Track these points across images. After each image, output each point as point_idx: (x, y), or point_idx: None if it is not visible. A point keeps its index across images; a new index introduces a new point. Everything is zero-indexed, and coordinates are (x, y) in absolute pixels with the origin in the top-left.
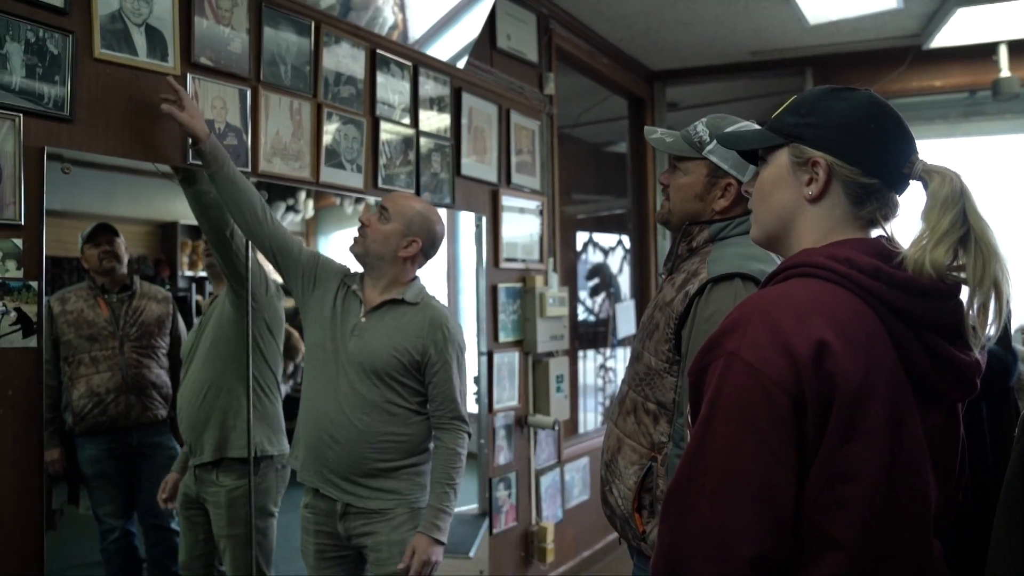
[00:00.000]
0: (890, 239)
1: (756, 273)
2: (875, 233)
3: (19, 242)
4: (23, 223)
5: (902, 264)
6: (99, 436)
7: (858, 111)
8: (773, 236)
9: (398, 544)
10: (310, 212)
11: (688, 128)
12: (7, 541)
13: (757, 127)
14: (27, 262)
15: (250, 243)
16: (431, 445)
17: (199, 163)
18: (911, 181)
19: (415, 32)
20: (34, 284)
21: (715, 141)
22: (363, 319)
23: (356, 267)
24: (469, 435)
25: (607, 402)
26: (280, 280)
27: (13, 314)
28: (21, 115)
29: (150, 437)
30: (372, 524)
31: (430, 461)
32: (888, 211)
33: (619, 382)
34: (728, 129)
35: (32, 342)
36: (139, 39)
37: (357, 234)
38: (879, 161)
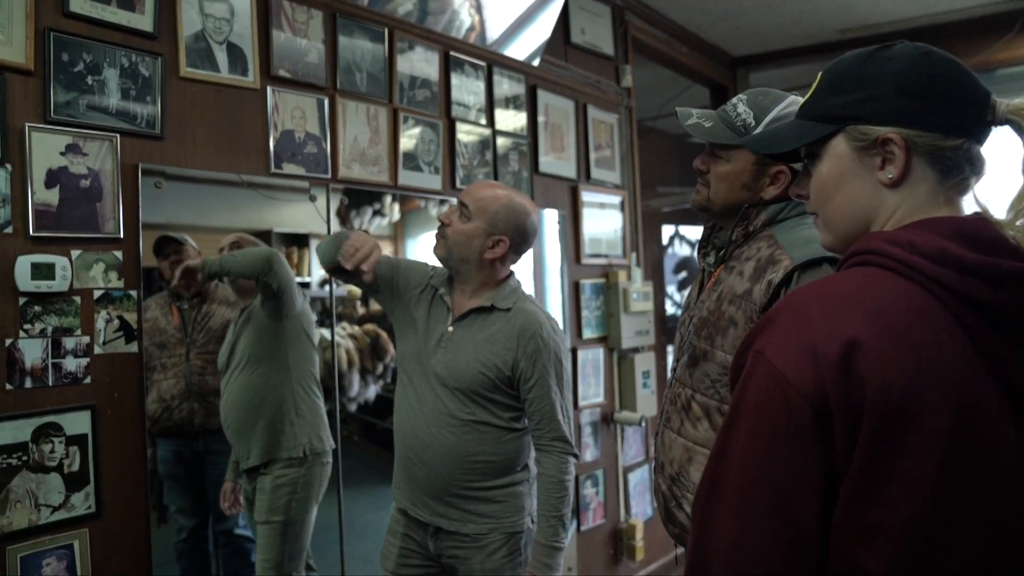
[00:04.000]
0: (985, 214)
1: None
2: (968, 204)
3: (119, 254)
4: (122, 236)
5: (1007, 243)
6: (169, 439)
7: (914, 67)
8: (850, 237)
9: (493, 573)
10: (396, 215)
11: (726, 108)
12: (116, 533)
13: (789, 123)
14: (127, 273)
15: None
16: (530, 462)
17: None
18: (993, 128)
19: (492, 33)
20: (133, 293)
21: (762, 125)
22: (450, 328)
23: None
24: (576, 457)
25: None
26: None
27: (116, 322)
28: (118, 135)
29: (215, 444)
30: (465, 549)
31: (528, 480)
32: (978, 170)
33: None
34: (760, 130)
35: (134, 347)
36: (221, 56)
37: (437, 234)
38: (960, 116)
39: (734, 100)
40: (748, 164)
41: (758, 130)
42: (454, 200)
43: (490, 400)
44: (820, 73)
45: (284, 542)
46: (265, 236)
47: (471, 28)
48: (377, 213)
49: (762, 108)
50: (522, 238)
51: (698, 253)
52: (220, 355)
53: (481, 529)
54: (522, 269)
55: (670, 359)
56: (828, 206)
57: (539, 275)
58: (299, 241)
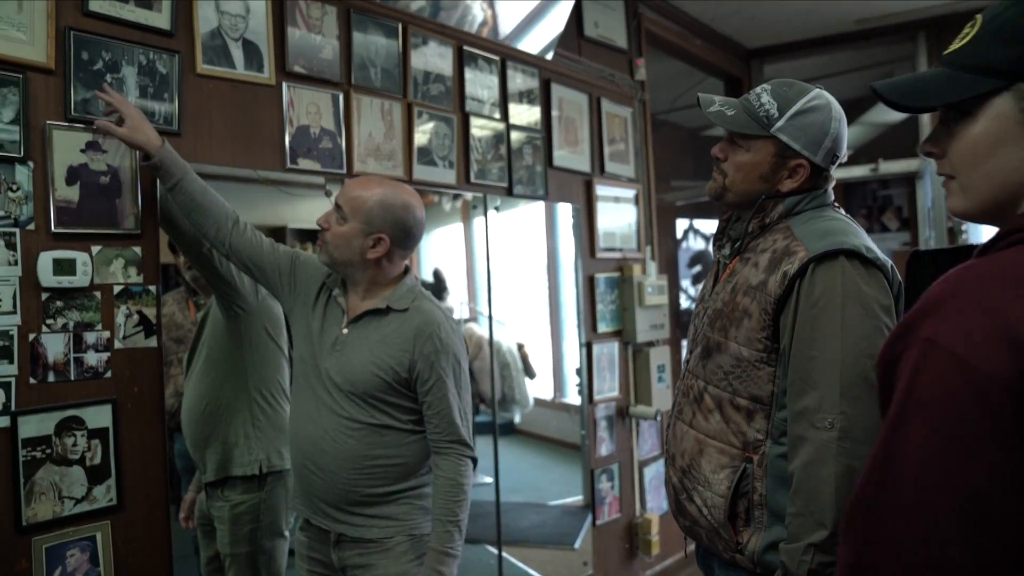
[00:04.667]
0: None
1: (859, 249)
2: None
3: (138, 250)
4: (141, 232)
5: None
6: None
7: None
8: (994, 207)
9: None
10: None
11: (749, 97)
12: (137, 525)
13: (936, 72)
14: (146, 268)
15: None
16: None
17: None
18: None
19: (505, 27)
20: (152, 288)
21: (785, 117)
22: (344, 331)
23: None
24: (474, 461)
25: None
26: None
27: (136, 317)
28: None
29: None
30: (369, 555)
31: (431, 482)
32: None
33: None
34: (782, 123)
35: (153, 342)
36: (237, 53)
37: (319, 240)
38: None
39: (758, 90)
40: (768, 156)
41: (781, 122)
42: (468, 194)
43: (388, 403)
44: (979, 16)
45: (255, 573)
46: (279, 232)
47: (484, 23)
48: None
49: (786, 100)
50: (404, 232)
51: (713, 245)
52: (185, 358)
53: (385, 533)
54: (534, 264)
55: (684, 353)
56: (976, 171)
57: (553, 270)
58: (313, 236)
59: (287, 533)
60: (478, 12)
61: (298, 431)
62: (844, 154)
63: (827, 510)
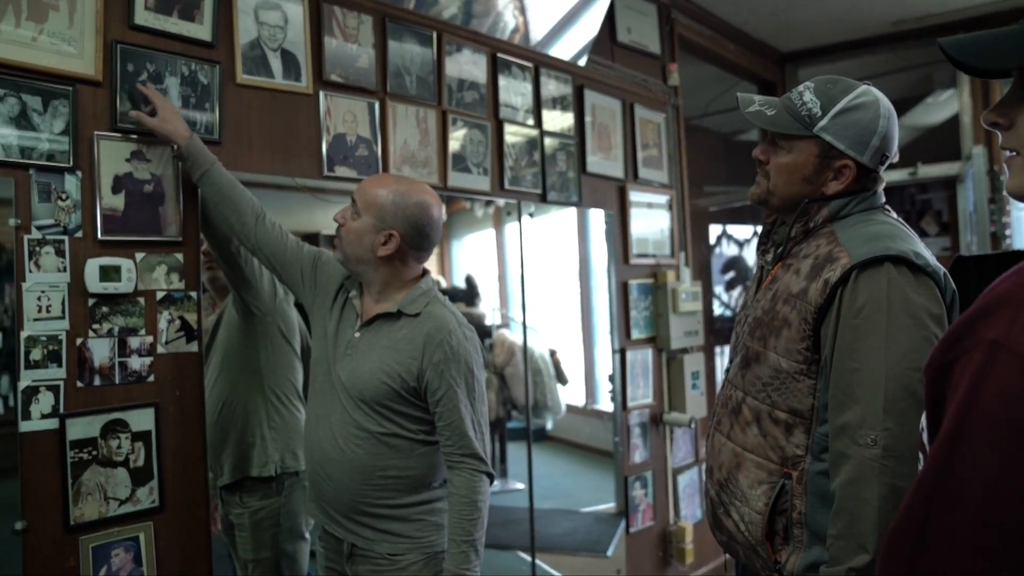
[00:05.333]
0: None
1: (907, 254)
2: None
3: (180, 257)
4: (182, 240)
5: None
6: None
7: None
8: None
9: None
10: (443, 216)
11: (791, 96)
12: (178, 527)
13: (1015, 29)
14: (187, 275)
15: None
16: (447, 476)
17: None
18: None
19: (536, 34)
20: (193, 294)
21: (828, 116)
22: (357, 335)
23: None
24: (490, 476)
25: None
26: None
27: (178, 322)
28: None
29: None
30: (381, 572)
31: (447, 498)
32: None
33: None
34: (825, 122)
35: (194, 347)
36: (275, 63)
37: (335, 237)
38: None
39: (800, 88)
40: (811, 156)
41: (824, 122)
42: (500, 201)
43: (398, 412)
44: None
45: None
46: (313, 238)
47: (515, 30)
48: None
49: (830, 97)
50: (416, 231)
51: (757, 249)
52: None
53: (397, 549)
54: (567, 271)
55: (718, 360)
56: None
57: (585, 275)
58: None
59: (307, 535)
60: (510, 19)
61: (311, 436)
62: (895, 153)
63: (869, 533)
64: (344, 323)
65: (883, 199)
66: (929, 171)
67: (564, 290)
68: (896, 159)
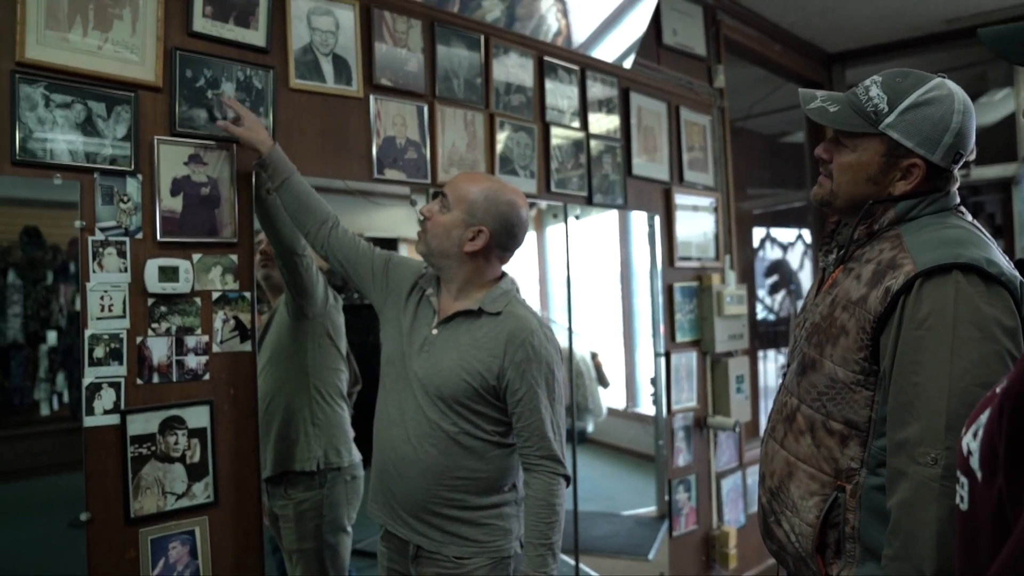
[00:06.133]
0: None
1: (979, 262)
2: None
3: (235, 258)
4: (237, 241)
5: None
6: None
7: None
8: None
9: None
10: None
11: (857, 91)
12: (232, 522)
13: None
14: (241, 276)
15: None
16: (519, 481)
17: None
18: None
19: (579, 36)
20: (247, 295)
21: (896, 113)
22: (435, 331)
23: None
24: (568, 479)
25: None
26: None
27: (232, 322)
28: (235, 145)
29: None
30: (448, 575)
31: (516, 501)
32: None
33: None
34: (892, 118)
35: (248, 347)
36: (327, 67)
37: (419, 230)
38: None
39: (867, 82)
40: (877, 155)
41: (891, 118)
42: (543, 203)
43: (474, 412)
44: None
45: (323, 568)
46: None
47: (558, 32)
48: None
49: (899, 92)
50: (505, 230)
51: (820, 249)
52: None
53: (464, 552)
54: (609, 275)
55: (761, 364)
56: None
57: (626, 279)
58: (388, 245)
59: (350, 529)
60: (552, 22)
61: (382, 434)
62: (972, 151)
63: (927, 557)
64: (419, 320)
65: (957, 200)
66: (983, 172)
67: (606, 293)
68: (973, 157)
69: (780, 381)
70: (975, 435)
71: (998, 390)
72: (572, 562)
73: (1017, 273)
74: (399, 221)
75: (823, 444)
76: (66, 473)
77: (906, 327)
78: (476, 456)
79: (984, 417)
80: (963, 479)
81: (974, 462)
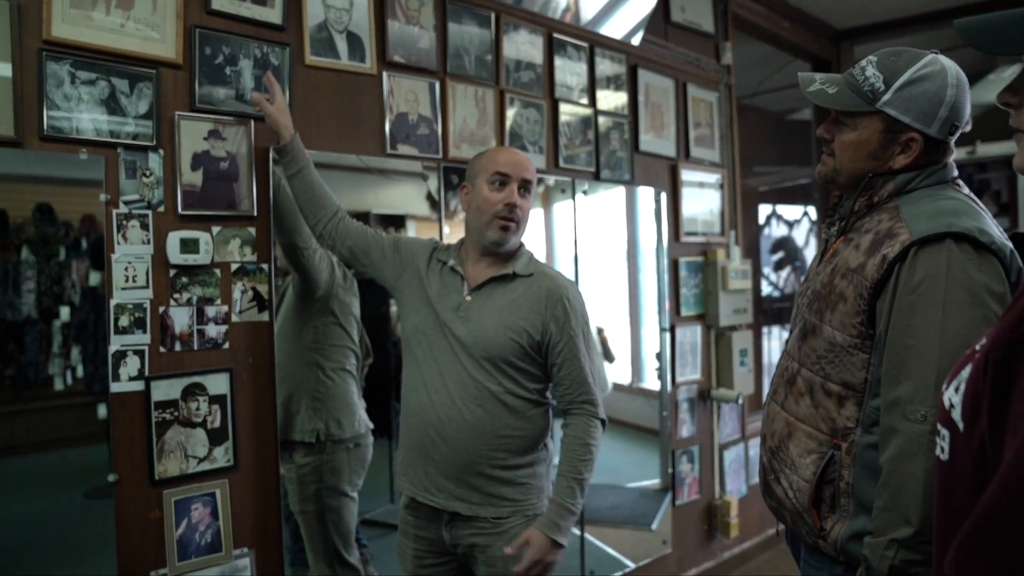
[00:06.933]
0: None
1: (971, 231)
2: None
3: (253, 231)
4: (255, 214)
5: None
6: None
7: None
8: None
9: (516, 559)
10: None
11: (853, 71)
12: (251, 485)
13: (1014, 15)
14: (259, 248)
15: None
16: (548, 441)
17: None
18: None
19: (587, 13)
20: (265, 266)
21: (892, 90)
22: (468, 298)
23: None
24: (604, 423)
25: None
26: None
27: (250, 293)
28: (252, 121)
29: None
30: (485, 535)
31: (546, 460)
32: None
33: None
34: (889, 95)
35: (265, 316)
36: (341, 44)
37: (511, 219)
38: None
39: (863, 62)
40: (876, 132)
41: (887, 96)
42: (550, 179)
43: (519, 370)
44: None
45: (325, 530)
46: (364, 217)
47: (567, 8)
48: None
49: (894, 70)
50: None
51: (823, 222)
52: None
53: (501, 513)
54: (615, 249)
55: (765, 340)
56: None
57: (632, 255)
58: (396, 222)
59: (354, 494)
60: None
61: (420, 401)
62: (967, 122)
63: (913, 507)
64: (447, 288)
65: (954, 172)
66: (989, 149)
67: (612, 269)
68: (969, 128)
69: (784, 347)
70: (957, 389)
71: (978, 347)
72: (578, 532)
73: (1009, 242)
74: (407, 198)
75: (821, 405)
76: (81, 446)
77: (901, 292)
78: (517, 415)
79: (966, 372)
80: (944, 431)
81: (956, 414)
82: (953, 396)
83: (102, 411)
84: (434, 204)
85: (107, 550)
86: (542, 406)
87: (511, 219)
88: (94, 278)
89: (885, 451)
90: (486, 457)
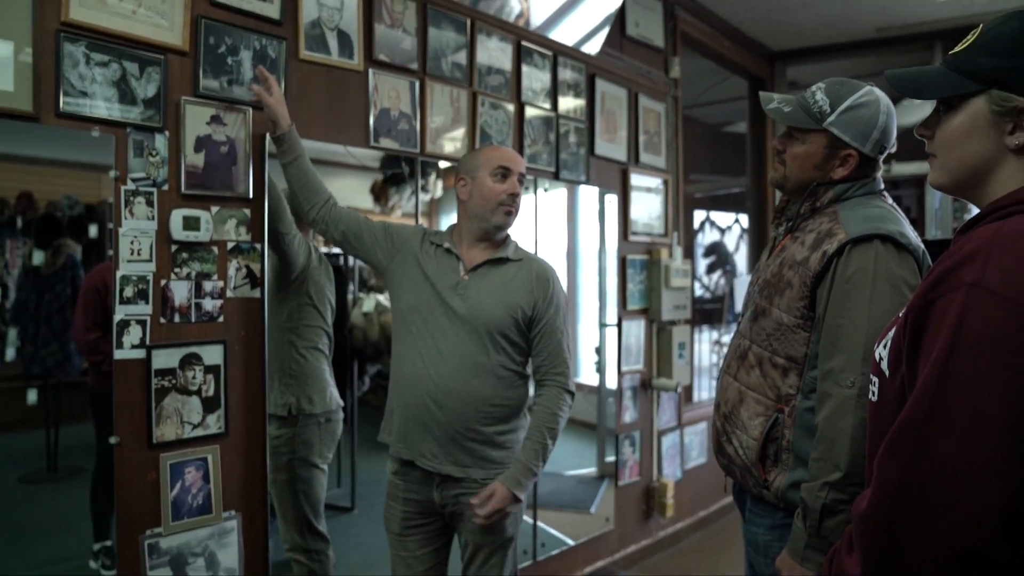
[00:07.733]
0: None
1: (894, 234)
2: None
3: (248, 212)
4: (251, 196)
5: None
6: None
7: None
8: (961, 184)
9: (500, 516)
10: (439, 192)
11: (805, 95)
12: (240, 450)
13: (935, 69)
14: (253, 228)
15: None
16: (526, 410)
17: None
18: None
19: (537, 19)
20: (258, 246)
21: (836, 113)
22: (465, 277)
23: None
24: (572, 395)
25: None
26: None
27: (244, 270)
28: (250, 108)
29: None
30: (472, 494)
31: (525, 427)
32: None
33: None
34: (833, 117)
35: (257, 293)
36: (332, 41)
37: (511, 206)
38: None
39: (813, 88)
40: (820, 147)
41: (832, 117)
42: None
43: (511, 343)
44: (981, 26)
45: (296, 499)
46: None
47: (520, 14)
48: (423, 189)
49: (838, 96)
50: None
51: (772, 222)
52: None
53: (489, 475)
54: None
55: (698, 334)
56: (950, 154)
57: (572, 254)
58: None
59: (323, 467)
60: (515, 4)
61: (418, 373)
62: (893, 144)
63: (842, 455)
64: (443, 267)
65: (881, 185)
66: (902, 169)
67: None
68: (894, 149)
69: (736, 328)
70: (885, 346)
71: (900, 314)
72: (531, 521)
73: (922, 244)
74: (351, 190)
75: (768, 375)
76: (15, 432)
77: (837, 282)
78: (506, 385)
79: (891, 332)
80: (875, 379)
81: (884, 365)
82: (882, 351)
83: (32, 396)
84: (377, 198)
85: (45, 535)
86: (525, 378)
87: (513, 206)
88: (37, 257)
89: (820, 412)
90: (479, 424)
